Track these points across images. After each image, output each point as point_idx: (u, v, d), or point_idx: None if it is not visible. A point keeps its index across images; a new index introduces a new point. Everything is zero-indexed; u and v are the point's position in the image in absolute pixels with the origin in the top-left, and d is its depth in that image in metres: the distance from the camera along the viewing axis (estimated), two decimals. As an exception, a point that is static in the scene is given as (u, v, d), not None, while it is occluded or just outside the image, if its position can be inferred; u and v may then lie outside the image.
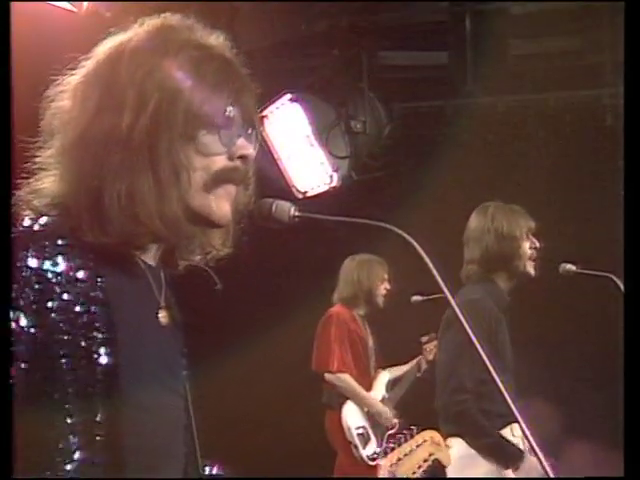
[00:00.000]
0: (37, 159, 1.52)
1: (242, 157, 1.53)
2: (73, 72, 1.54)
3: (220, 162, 1.51)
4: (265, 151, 5.39)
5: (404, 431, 2.20)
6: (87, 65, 1.53)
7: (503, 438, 3.54)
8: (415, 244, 1.59)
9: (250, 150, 1.54)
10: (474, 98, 5.71)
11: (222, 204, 1.52)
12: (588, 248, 5.01)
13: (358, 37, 5.72)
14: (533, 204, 4.02)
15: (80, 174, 1.46)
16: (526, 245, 3.70)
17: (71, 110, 1.50)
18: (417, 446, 2.20)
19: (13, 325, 1.36)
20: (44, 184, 1.50)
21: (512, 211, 3.75)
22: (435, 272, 1.58)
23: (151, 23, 1.55)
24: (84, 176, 1.46)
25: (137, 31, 1.54)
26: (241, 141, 1.53)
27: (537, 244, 3.73)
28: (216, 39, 1.56)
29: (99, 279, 1.43)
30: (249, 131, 1.56)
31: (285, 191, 5.74)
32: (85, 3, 3.87)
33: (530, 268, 3.71)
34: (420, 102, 6.03)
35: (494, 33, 5.50)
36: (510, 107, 5.78)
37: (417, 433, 2.23)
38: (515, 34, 5.67)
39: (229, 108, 1.51)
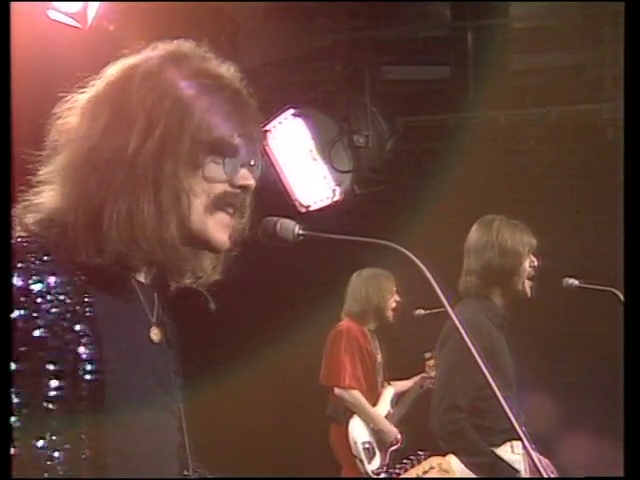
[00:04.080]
0: (38, 173, 1.52)
1: (243, 187, 1.55)
2: (82, 90, 1.55)
3: (221, 188, 1.52)
4: (268, 165, 5.40)
5: (411, 457, 2.17)
6: (97, 85, 1.54)
7: (498, 457, 3.52)
8: (417, 261, 1.59)
9: (251, 181, 1.56)
10: (476, 112, 5.73)
11: (220, 231, 1.53)
12: (591, 262, 5.01)
13: (360, 52, 5.75)
14: (535, 217, 4.02)
15: (82, 191, 1.47)
16: (527, 263, 3.70)
17: (78, 128, 1.51)
18: (424, 473, 2.18)
19: None
20: (42, 199, 1.51)
21: (516, 227, 3.75)
22: (436, 287, 1.59)
23: (164, 48, 1.57)
24: (85, 194, 1.46)
25: (149, 55, 1.55)
26: (244, 171, 1.55)
27: (536, 263, 3.72)
28: (227, 70, 1.57)
29: (86, 296, 1.43)
30: (252, 162, 1.57)
31: (288, 205, 5.76)
32: (90, 19, 3.89)
33: (527, 287, 3.70)
34: (422, 116, 6.05)
35: (496, 48, 5.53)
36: (511, 121, 5.80)
37: (424, 459, 2.20)
38: (516, 49, 5.70)
39: (235, 138, 1.53)
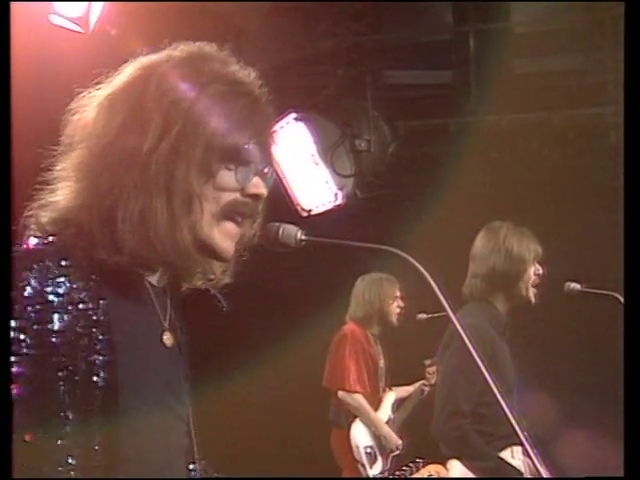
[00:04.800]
0: (53, 170, 1.51)
1: (254, 195, 1.53)
2: (98, 86, 1.53)
3: (232, 196, 1.51)
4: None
5: (410, 464, 2.18)
6: (115, 82, 1.53)
7: (502, 460, 3.52)
8: (418, 266, 1.59)
9: (263, 189, 1.54)
10: (478, 116, 5.73)
11: (226, 240, 1.52)
12: (593, 266, 5.01)
13: (362, 57, 5.76)
14: (537, 221, 4.02)
15: (95, 190, 1.46)
16: (532, 270, 3.70)
17: (94, 125, 1.50)
18: None
19: (14, 345, 1.35)
20: (57, 197, 1.50)
21: (523, 234, 3.76)
22: (438, 292, 1.58)
23: (185, 50, 1.55)
24: (99, 192, 1.45)
25: (170, 55, 1.54)
26: (256, 180, 1.53)
27: (541, 271, 3.73)
28: (247, 75, 1.55)
29: (101, 301, 1.42)
30: (265, 170, 1.56)
31: (290, 209, 5.76)
32: (92, 24, 3.89)
33: (531, 294, 3.71)
34: (424, 121, 6.05)
35: (498, 52, 5.53)
36: (514, 125, 5.80)
37: (423, 466, 2.22)
38: (519, 53, 5.71)
39: (249, 146, 1.51)
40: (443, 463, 3.07)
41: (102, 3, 3.93)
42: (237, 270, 1.62)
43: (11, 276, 1.37)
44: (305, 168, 5.84)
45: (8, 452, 1.31)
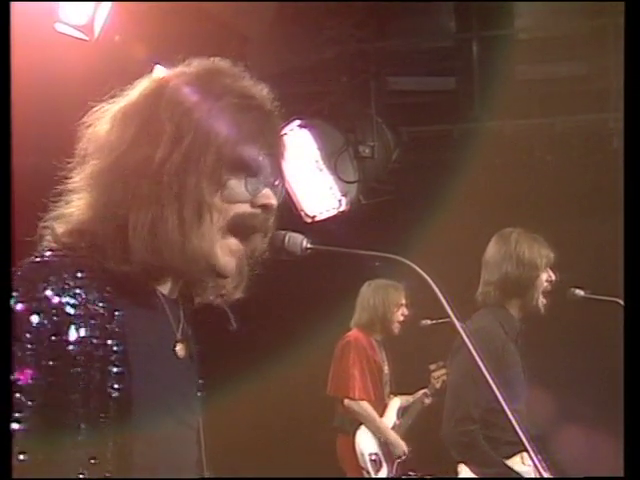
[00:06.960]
0: (68, 182, 1.53)
1: (264, 206, 1.54)
2: (112, 100, 1.55)
3: (242, 208, 1.51)
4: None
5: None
6: (128, 95, 1.55)
7: (509, 468, 3.51)
8: (422, 273, 1.59)
9: (273, 200, 1.55)
10: (481, 123, 5.74)
11: (228, 257, 1.51)
12: (595, 272, 5.01)
13: (366, 63, 5.78)
14: (540, 227, 4.02)
15: (108, 200, 1.47)
16: (544, 276, 3.70)
17: (107, 137, 1.51)
18: None
19: (29, 356, 1.36)
20: (71, 208, 1.51)
21: (535, 240, 3.75)
22: (443, 298, 1.59)
23: (198, 65, 1.57)
24: (111, 203, 1.47)
25: (183, 70, 1.56)
26: (266, 191, 1.55)
27: (553, 277, 3.72)
28: (259, 90, 1.57)
29: (117, 312, 1.43)
30: (275, 182, 1.58)
31: (294, 216, 5.77)
32: (96, 32, 3.90)
33: (541, 304, 3.70)
34: (427, 127, 6.06)
35: (501, 59, 5.55)
36: (517, 131, 5.81)
37: None
38: (521, 60, 5.72)
39: (260, 157, 1.53)
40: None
41: (107, 11, 3.95)
42: (249, 285, 1.62)
43: (11, 283, 1.38)
44: (309, 174, 5.86)
45: (8, 452, 1.31)
